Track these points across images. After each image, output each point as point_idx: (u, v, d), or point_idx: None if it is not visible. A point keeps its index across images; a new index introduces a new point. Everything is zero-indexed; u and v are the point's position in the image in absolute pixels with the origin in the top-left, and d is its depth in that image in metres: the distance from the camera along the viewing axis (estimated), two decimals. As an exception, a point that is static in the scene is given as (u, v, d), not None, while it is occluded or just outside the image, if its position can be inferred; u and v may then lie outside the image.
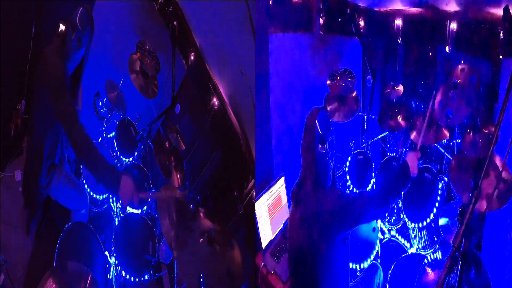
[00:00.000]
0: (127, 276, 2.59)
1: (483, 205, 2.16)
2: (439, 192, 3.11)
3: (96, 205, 3.01)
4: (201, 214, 2.18)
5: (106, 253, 2.69)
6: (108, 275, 2.67)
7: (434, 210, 3.04)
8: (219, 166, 3.21)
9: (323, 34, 3.75)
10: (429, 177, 3.24)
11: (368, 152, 3.71)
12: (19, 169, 2.78)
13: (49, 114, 2.25)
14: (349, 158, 3.66)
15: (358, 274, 3.05)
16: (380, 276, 2.97)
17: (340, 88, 3.63)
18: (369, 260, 3.07)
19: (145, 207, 3.04)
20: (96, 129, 3.29)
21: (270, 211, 2.93)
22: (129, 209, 2.95)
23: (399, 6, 3.65)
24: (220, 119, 2.99)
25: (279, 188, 3.10)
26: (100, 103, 3.22)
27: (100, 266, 2.62)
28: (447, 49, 3.42)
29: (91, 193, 2.93)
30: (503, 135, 2.14)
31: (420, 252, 3.07)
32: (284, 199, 3.18)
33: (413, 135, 3.32)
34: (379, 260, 3.15)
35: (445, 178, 3.18)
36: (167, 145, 3.00)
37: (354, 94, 3.78)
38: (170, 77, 3.19)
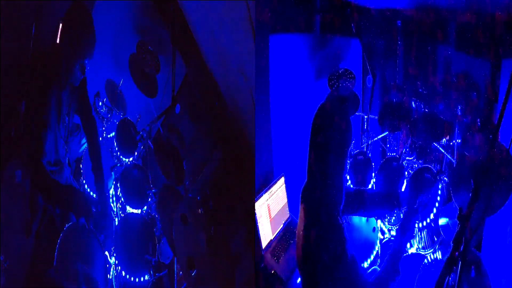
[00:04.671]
0: (127, 276, 2.59)
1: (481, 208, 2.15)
2: (439, 192, 3.11)
3: (96, 205, 3.00)
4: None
5: (106, 253, 2.69)
6: (108, 275, 2.67)
7: (434, 210, 3.03)
8: (219, 166, 3.21)
9: (323, 34, 3.75)
10: (429, 177, 3.24)
11: (368, 152, 3.71)
12: (19, 169, 2.77)
13: None
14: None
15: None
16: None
17: (340, 88, 3.63)
18: (369, 260, 3.07)
19: (145, 207, 3.05)
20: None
21: (270, 211, 2.93)
22: (129, 209, 2.95)
23: (399, 6, 3.65)
24: (220, 119, 2.99)
25: (279, 188, 3.10)
26: (100, 103, 3.22)
27: (100, 266, 2.62)
28: (447, 49, 3.42)
29: (91, 193, 2.93)
30: (503, 135, 2.14)
31: (420, 252, 3.07)
32: (284, 199, 3.18)
33: (413, 135, 3.33)
34: (379, 261, 3.16)
35: (445, 178, 3.18)
36: (167, 145, 3.00)
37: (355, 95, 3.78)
38: (170, 77, 3.19)
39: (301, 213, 1.85)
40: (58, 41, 2.16)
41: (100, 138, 3.23)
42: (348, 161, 1.86)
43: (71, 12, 2.17)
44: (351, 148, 1.83)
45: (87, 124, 2.59)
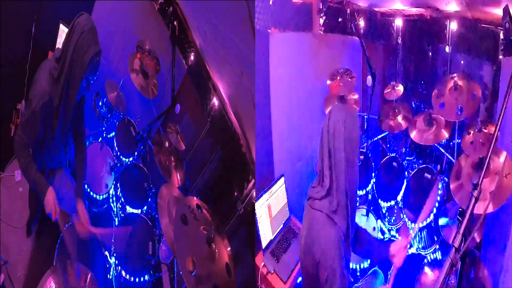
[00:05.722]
0: (127, 276, 2.59)
1: (481, 207, 2.14)
2: (439, 192, 3.11)
3: (96, 205, 3.00)
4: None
5: (106, 253, 2.69)
6: (108, 275, 2.67)
7: (434, 210, 3.04)
8: (219, 166, 3.21)
9: (323, 34, 3.75)
10: (429, 177, 3.24)
11: (368, 152, 3.71)
12: (19, 169, 2.77)
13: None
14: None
15: (358, 274, 3.05)
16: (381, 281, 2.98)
17: (340, 88, 3.63)
18: (369, 260, 3.07)
19: (145, 207, 3.05)
20: (96, 129, 3.29)
21: (270, 211, 2.93)
22: (129, 209, 2.95)
23: (399, 6, 3.65)
24: (220, 119, 2.99)
25: (279, 188, 3.10)
26: (100, 103, 3.22)
27: (100, 266, 2.62)
28: (447, 49, 3.42)
29: (91, 193, 2.93)
30: (503, 135, 2.14)
31: (420, 252, 3.07)
32: (284, 199, 3.18)
33: (413, 134, 3.33)
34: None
35: (445, 178, 3.18)
36: (167, 145, 3.00)
37: (355, 94, 3.77)
38: (170, 77, 3.19)
39: (306, 210, 1.85)
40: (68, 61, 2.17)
41: (100, 139, 3.23)
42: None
43: (78, 28, 2.16)
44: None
45: (78, 139, 2.58)
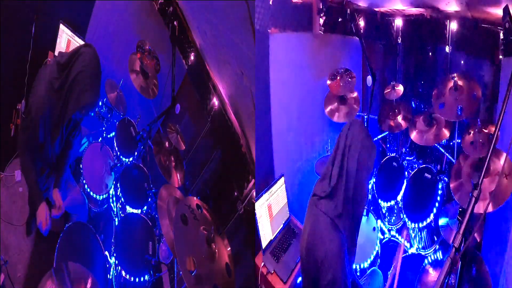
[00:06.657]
0: (127, 276, 2.59)
1: (481, 207, 2.15)
2: (439, 192, 3.11)
3: (96, 205, 3.00)
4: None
5: (106, 253, 2.69)
6: (108, 275, 2.67)
7: (434, 210, 3.04)
8: (219, 166, 3.21)
9: (323, 34, 3.75)
10: (429, 177, 3.24)
11: (368, 152, 3.71)
12: (19, 169, 2.78)
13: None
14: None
15: (357, 274, 3.05)
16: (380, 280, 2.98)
17: (340, 88, 3.63)
18: (369, 260, 3.07)
19: (145, 207, 3.05)
20: (96, 129, 3.29)
21: (270, 211, 2.93)
22: (129, 209, 2.95)
23: (399, 6, 3.65)
24: (220, 119, 2.99)
25: (279, 188, 3.10)
26: (100, 103, 3.22)
27: (100, 266, 2.62)
28: (447, 49, 3.42)
29: (91, 193, 2.92)
30: (503, 135, 2.14)
31: (420, 252, 3.07)
32: (284, 199, 3.18)
33: (413, 135, 3.33)
34: (379, 261, 3.15)
35: (445, 178, 3.18)
36: (167, 145, 3.00)
37: (355, 94, 3.77)
38: (170, 77, 3.19)
39: (309, 207, 1.85)
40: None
41: (100, 139, 3.23)
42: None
43: (82, 61, 2.18)
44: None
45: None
